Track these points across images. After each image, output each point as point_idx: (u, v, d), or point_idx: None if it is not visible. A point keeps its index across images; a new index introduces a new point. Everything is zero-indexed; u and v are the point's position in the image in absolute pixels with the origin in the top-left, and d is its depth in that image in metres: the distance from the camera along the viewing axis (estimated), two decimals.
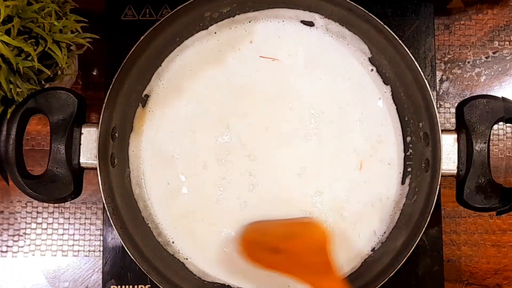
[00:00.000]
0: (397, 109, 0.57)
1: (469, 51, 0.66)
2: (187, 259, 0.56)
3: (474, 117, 0.50)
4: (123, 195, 0.54)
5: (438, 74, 0.65)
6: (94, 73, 0.66)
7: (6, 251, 0.64)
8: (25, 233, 0.64)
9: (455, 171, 0.51)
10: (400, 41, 0.52)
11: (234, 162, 0.56)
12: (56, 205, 0.64)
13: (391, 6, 0.62)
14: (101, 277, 0.60)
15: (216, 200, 0.56)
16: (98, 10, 0.62)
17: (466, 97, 0.54)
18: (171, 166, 0.56)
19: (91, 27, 0.57)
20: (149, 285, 0.59)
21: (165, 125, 0.57)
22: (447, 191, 0.60)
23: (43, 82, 0.55)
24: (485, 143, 0.50)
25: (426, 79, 0.51)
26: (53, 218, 0.64)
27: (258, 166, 0.56)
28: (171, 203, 0.56)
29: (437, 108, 0.51)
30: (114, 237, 0.59)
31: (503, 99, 0.50)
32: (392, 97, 0.57)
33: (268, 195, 0.56)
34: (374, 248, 0.56)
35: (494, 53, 0.66)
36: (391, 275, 0.50)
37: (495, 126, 0.54)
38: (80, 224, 0.64)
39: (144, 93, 0.57)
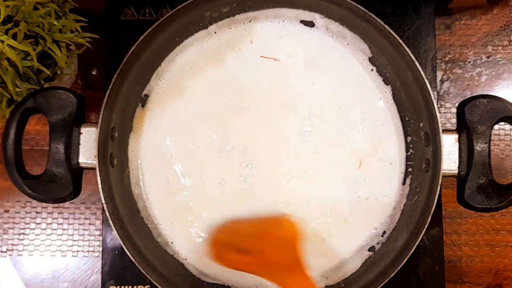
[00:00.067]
0: (397, 109, 0.57)
1: (469, 51, 0.66)
2: (186, 259, 0.56)
3: (475, 117, 0.50)
4: (123, 195, 0.54)
5: (439, 74, 0.65)
6: (94, 73, 0.66)
7: (6, 251, 0.64)
8: (24, 234, 0.64)
9: (456, 171, 0.51)
10: (400, 41, 0.52)
11: (234, 162, 0.56)
12: (55, 205, 0.64)
13: (391, 6, 0.62)
14: (100, 277, 0.60)
15: (215, 200, 0.56)
16: (97, 9, 0.62)
17: (467, 97, 0.54)
18: (170, 166, 0.56)
19: (90, 26, 0.56)
20: (149, 286, 0.59)
21: (165, 125, 0.57)
22: (448, 192, 0.60)
23: (42, 82, 0.55)
24: (486, 143, 0.50)
25: (426, 79, 0.51)
26: (52, 219, 0.64)
27: (258, 166, 0.56)
28: (170, 203, 0.56)
29: (437, 108, 0.51)
30: (114, 238, 0.59)
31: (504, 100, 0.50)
32: (393, 97, 0.57)
33: (268, 195, 0.56)
34: (375, 248, 0.55)
35: (494, 53, 0.66)
36: (391, 275, 0.50)
37: (496, 126, 0.54)
38: (79, 224, 0.64)
39: (144, 92, 0.57)
